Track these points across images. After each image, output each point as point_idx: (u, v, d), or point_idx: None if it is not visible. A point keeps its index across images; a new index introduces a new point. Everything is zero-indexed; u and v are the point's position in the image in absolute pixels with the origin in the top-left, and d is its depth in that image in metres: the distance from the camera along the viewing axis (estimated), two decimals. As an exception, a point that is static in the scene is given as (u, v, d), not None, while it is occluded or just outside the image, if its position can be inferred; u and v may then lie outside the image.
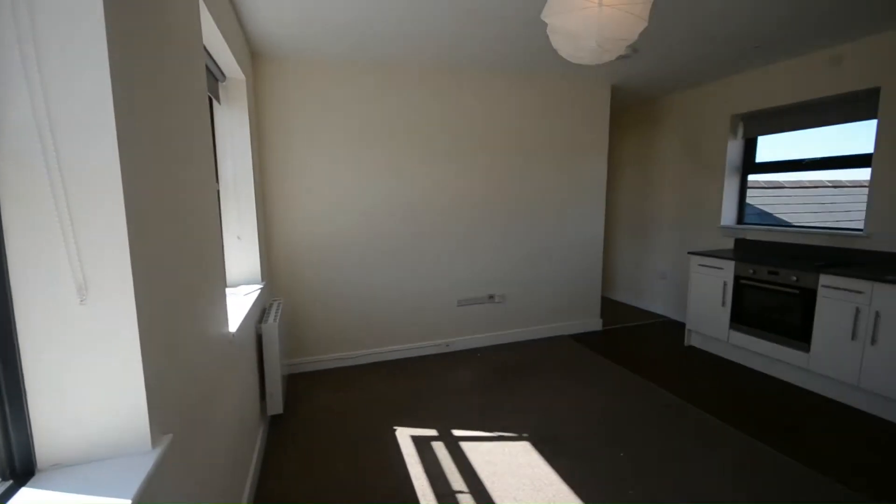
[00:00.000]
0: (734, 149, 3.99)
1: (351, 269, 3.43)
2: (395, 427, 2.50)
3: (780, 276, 3.06)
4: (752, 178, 4.01)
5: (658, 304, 4.88)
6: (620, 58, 3.19)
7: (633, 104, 4.95)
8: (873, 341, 2.55)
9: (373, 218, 3.45)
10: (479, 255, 3.80)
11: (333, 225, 3.35)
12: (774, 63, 3.50)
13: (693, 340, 3.87)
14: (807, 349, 2.91)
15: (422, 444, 2.32)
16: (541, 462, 2.16)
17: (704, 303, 3.65)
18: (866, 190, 3.03)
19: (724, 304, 3.48)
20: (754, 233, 3.81)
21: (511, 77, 3.66)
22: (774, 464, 2.13)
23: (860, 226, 3.09)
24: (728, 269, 3.43)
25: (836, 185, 3.43)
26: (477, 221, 3.75)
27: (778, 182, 3.97)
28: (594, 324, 4.33)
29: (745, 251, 3.78)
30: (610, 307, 5.14)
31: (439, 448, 2.29)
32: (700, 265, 3.68)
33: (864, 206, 3.05)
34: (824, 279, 2.79)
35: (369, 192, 3.41)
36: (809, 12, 2.53)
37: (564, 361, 3.49)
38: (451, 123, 3.55)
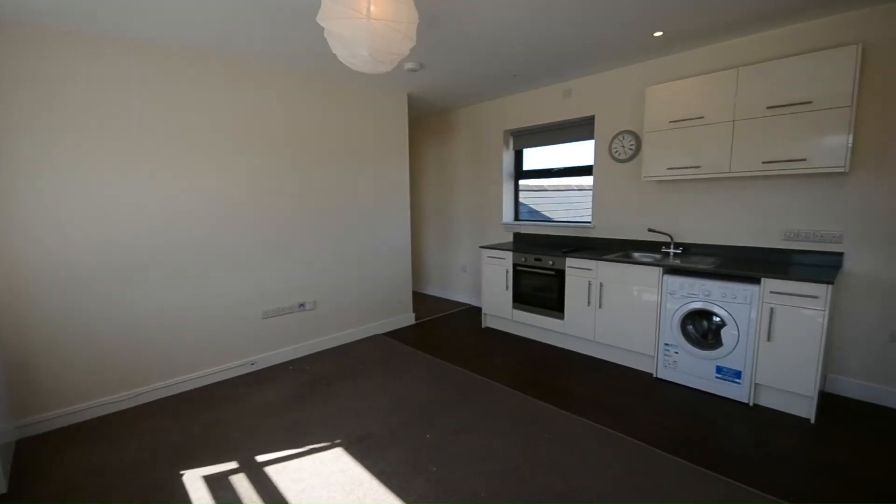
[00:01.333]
0: (508, 158, 4.77)
1: (122, 289, 2.78)
2: (182, 472, 2.14)
3: (543, 262, 3.80)
4: (522, 182, 4.86)
5: (462, 293, 5.47)
6: (410, 70, 3.44)
7: (431, 113, 5.41)
8: (600, 305, 3.41)
9: (154, 225, 2.87)
10: (286, 262, 3.57)
11: (94, 236, 2.65)
12: (528, 91, 4.31)
13: (488, 322, 4.48)
14: (562, 317, 3.70)
15: (217, 483, 2.05)
16: (353, 464, 2.17)
17: (493, 288, 4.26)
18: (591, 193, 4.02)
19: (507, 287, 4.13)
20: (526, 227, 4.63)
21: (308, 76, 3.55)
22: (546, 415, 2.64)
23: (590, 219, 4.08)
24: (508, 259, 4.09)
25: (580, 188, 4.48)
26: (282, 227, 3.51)
27: (541, 186, 4.93)
28: (408, 319, 4.58)
29: (520, 243, 4.56)
30: (422, 301, 5.52)
31: (240, 481, 2.07)
32: (489, 257, 4.27)
33: (590, 205, 4.04)
34: (569, 261, 3.59)
35: (143, 194, 2.82)
36: (548, 53, 3.20)
37: (380, 360, 3.59)
38: (241, 120, 3.22)
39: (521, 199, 4.90)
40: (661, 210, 3.52)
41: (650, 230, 3.43)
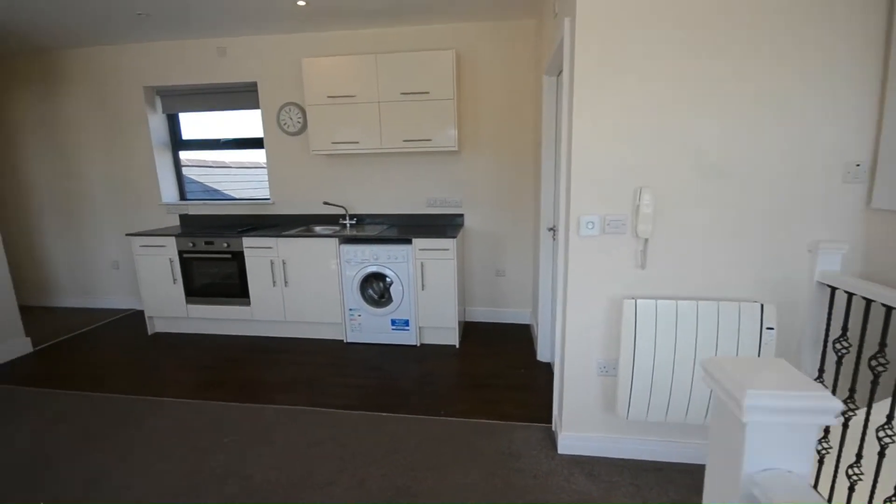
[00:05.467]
0: (158, 123, 3.86)
1: None
2: None
3: (216, 245, 3.32)
4: (185, 155, 4.07)
5: (118, 297, 4.22)
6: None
7: (20, 51, 3.73)
8: (286, 283, 3.29)
9: None
10: None
11: None
12: (173, 41, 3.56)
13: (158, 326, 3.63)
14: (248, 303, 3.38)
15: None
16: None
17: (157, 284, 3.45)
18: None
19: (175, 280, 3.42)
20: (196, 207, 3.94)
21: None
22: (230, 416, 2.33)
23: (269, 195, 3.84)
24: (171, 246, 3.37)
25: (256, 165, 4.10)
26: None
27: (204, 161, 4.25)
28: (19, 347, 3.15)
29: (190, 226, 3.85)
30: (55, 318, 3.95)
31: None
32: (142, 246, 3.40)
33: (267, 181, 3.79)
34: (246, 241, 3.27)
35: None
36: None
37: (-52, 424, 2.30)
38: None
39: (192, 177, 4.11)
40: (334, 183, 3.66)
41: (325, 203, 3.52)
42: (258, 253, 3.27)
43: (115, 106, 3.78)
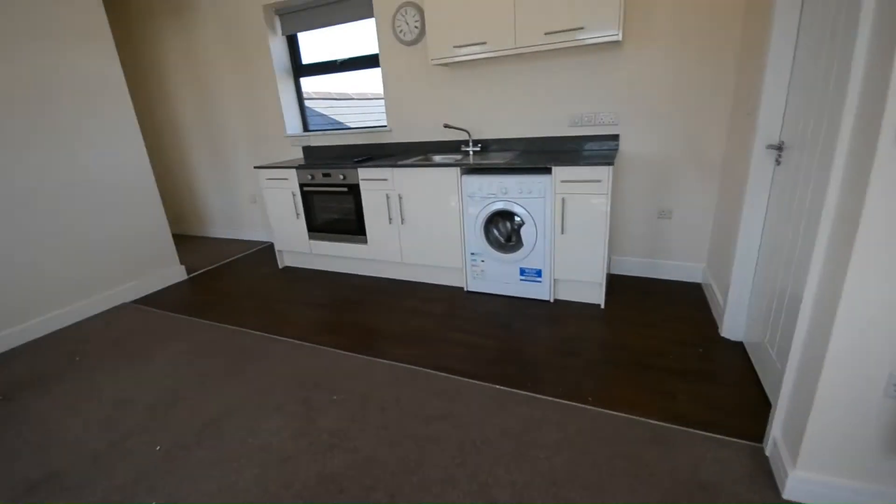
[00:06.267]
0: (279, 48, 3.65)
1: None
2: None
3: (333, 177, 3.08)
4: (306, 84, 3.86)
5: (257, 230, 4.45)
6: None
7: (156, -17, 3.78)
8: (403, 221, 2.93)
9: None
10: None
11: None
12: (285, -57, 3.18)
13: (287, 260, 3.69)
14: (366, 241, 3.15)
15: None
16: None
17: (283, 218, 3.42)
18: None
19: (298, 215, 3.33)
20: (317, 138, 3.76)
21: None
22: (341, 367, 2.12)
23: (386, 122, 3.43)
24: (292, 179, 3.24)
25: (377, 96, 3.71)
26: None
27: (328, 93, 4.00)
28: (173, 274, 3.45)
29: (312, 158, 3.71)
30: (202, 247, 4.34)
31: None
32: (268, 179, 3.35)
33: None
34: (361, 173, 2.95)
35: None
36: None
37: (115, 341, 2.54)
38: None
39: (317, 109, 3.93)
40: (457, 102, 3.06)
41: (446, 126, 2.96)
42: (374, 186, 2.94)
43: (238, 33, 3.66)
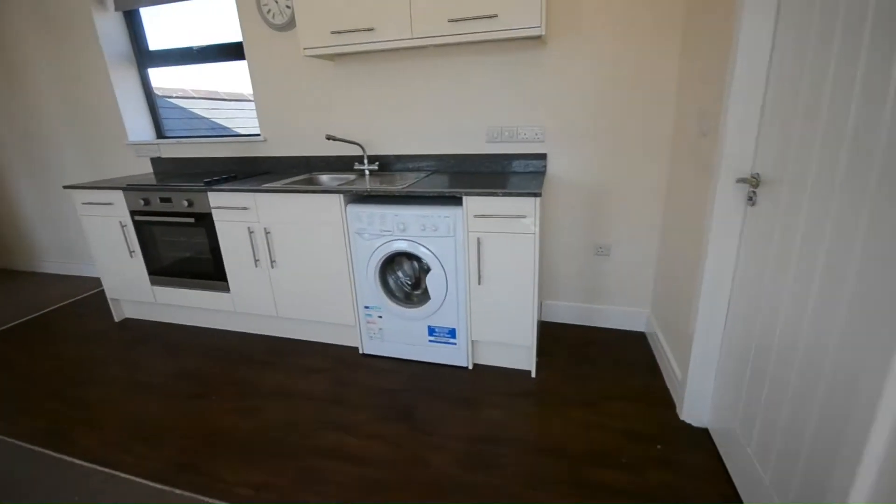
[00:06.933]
0: (111, 28, 2.74)
1: None
2: None
3: (175, 203, 2.25)
4: (161, 82, 2.96)
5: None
6: None
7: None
8: (273, 263, 2.18)
9: None
10: None
11: None
12: None
13: (127, 311, 2.74)
14: (227, 288, 2.34)
15: None
16: None
17: (113, 257, 2.50)
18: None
19: (132, 252, 2.44)
20: (171, 148, 2.88)
21: None
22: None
23: (259, 130, 2.66)
24: (119, 205, 2.35)
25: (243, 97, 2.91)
26: None
27: (186, 91, 3.12)
28: (-59, 340, 2.38)
29: (163, 174, 2.81)
30: (24, 289, 3.22)
31: None
32: (85, 203, 2.42)
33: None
34: (213, 198, 2.16)
35: None
36: None
37: None
38: None
39: (179, 105, 3.03)
40: (347, 107, 2.38)
41: (330, 138, 2.26)
42: (231, 216, 2.16)
43: (55, 6, 2.69)
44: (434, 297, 1.94)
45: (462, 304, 1.93)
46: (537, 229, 1.71)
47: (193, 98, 3.16)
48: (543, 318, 2.45)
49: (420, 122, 2.28)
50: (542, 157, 2.16)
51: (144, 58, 2.87)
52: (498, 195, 1.71)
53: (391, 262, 2.05)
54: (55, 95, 2.94)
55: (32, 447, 1.63)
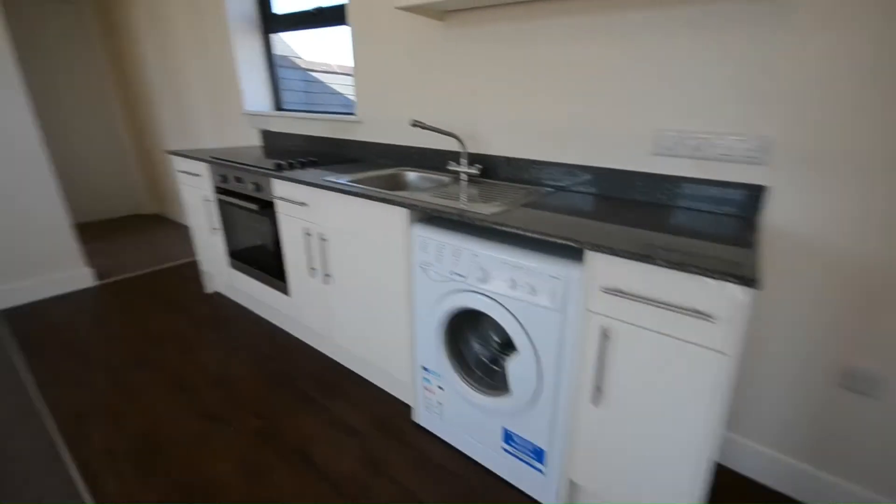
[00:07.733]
0: (238, -15, 2.56)
1: None
2: None
3: (245, 185, 1.94)
4: (280, 43, 2.74)
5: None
6: None
7: None
8: (327, 276, 1.71)
9: None
10: None
11: None
12: None
13: (217, 284, 2.66)
14: (286, 291, 1.98)
15: None
16: None
17: (202, 229, 2.38)
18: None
19: (214, 229, 2.26)
20: (278, 121, 2.64)
21: None
22: None
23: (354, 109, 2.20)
24: (206, 178, 2.16)
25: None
26: None
27: (313, 64, 2.83)
28: (75, 280, 2.58)
29: (270, 148, 2.60)
30: (172, 235, 3.48)
31: None
32: (181, 172, 2.30)
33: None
34: (278, 187, 1.77)
35: None
36: None
37: None
38: None
39: (286, 76, 2.82)
40: (449, 85, 1.73)
41: (415, 124, 1.63)
42: (291, 210, 1.75)
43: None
44: (516, 393, 1.22)
45: (561, 418, 1.16)
46: (736, 346, 0.84)
47: (310, 71, 2.87)
48: (720, 460, 1.50)
49: (547, 111, 1.51)
50: (757, 190, 1.19)
51: (269, 22, 2.66)
52: (657, 263, 0.88)
53: (469, 319, 1.38)
54: (192, 58, 2.96)
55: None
